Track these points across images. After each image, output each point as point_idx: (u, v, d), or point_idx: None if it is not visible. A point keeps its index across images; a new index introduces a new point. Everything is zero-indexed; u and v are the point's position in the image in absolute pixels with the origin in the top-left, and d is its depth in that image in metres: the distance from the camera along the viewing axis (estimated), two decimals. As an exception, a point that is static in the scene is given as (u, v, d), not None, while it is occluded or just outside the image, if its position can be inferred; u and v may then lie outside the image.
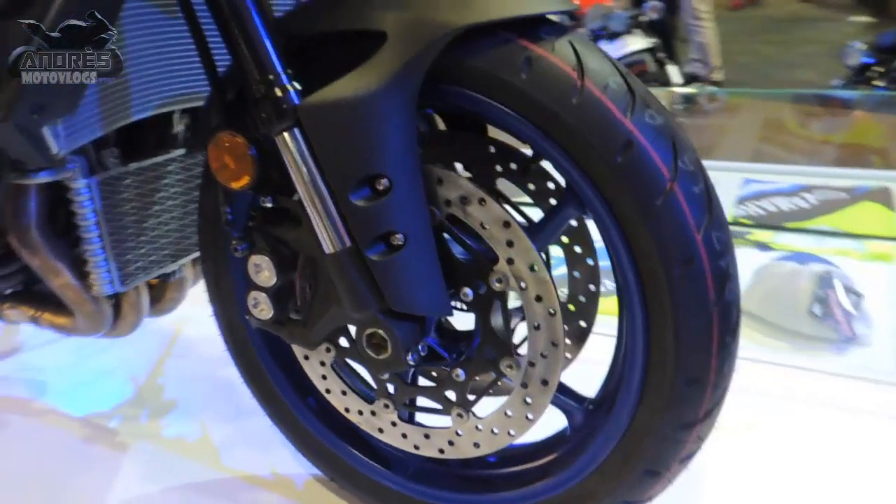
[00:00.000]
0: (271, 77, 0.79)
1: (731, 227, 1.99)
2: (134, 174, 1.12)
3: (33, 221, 1.06)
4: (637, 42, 4.57)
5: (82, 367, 1.65)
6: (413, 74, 0.75)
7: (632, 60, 4.54)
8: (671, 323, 0.75)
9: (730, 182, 2.47)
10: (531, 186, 0.89)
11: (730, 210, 2.25)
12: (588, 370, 1.00)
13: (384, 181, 0.78)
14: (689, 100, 4.20)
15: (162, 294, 1.30)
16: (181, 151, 1.18)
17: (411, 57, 0.74)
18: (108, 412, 1.48)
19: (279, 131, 0.79)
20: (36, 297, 1.25)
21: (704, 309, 0.75)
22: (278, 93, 0.79)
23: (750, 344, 1.58)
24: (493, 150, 0.89)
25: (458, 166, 0.96)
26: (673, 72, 4.64)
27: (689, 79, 4.81)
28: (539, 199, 0.89)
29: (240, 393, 1.16)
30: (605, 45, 4.57)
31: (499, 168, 0.89)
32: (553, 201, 0.88)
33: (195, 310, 1.15)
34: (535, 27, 0.76)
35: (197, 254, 1.25)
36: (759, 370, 1.50)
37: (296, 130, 0.79)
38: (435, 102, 0.84)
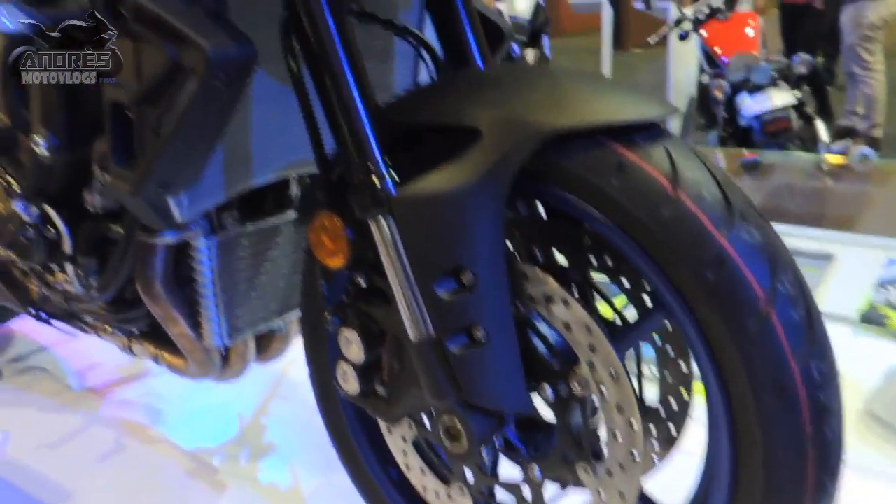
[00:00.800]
0: (370, 164, 0.82)
1: (865, 318, 1.84)
2: (250, 234, 1.19)
3: (158, 276, 1.14)
4: (782, 97, 4.32)
5: (196, 399, 1.76)
6: (504, 173, 0.75)
7: (775, 116, 4.30)
8: (760, 454, 0.70)
9: (871, 261, 2.25)
10: (625, 283, 0.86)
11: (867, 294, 2.05)
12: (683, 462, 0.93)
13: (469, 275, 0.78)
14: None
15: (268, 345, 1.37)
16: (294, 214, 1.24)
17: (502, 156, 0.75)
18: (213, 449, 1.57)
19: (373, 217, 0.82)
20: (159, 338, 1.34)
21: (799, 444, 0.69)
22: (375, 181, 0.82)
23: (873, 453, 1.42)
24: (588, 242, 0.87)
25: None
26: (821, 129, 4.34)
27: (843, 133, 4.46)
28: (632, 297, 0.86)
29: (331, 445, 1.20)
30: (747, 99, 4.37)
31: (593, 261, 0.87)
32: (646, 299, 0.85)
33: (302, 353, 1.19)
34: (632, 131, 0.75)
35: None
36: (883, 488, 1.34)
37: (389, 217, 0.81)
38: (531, 195, 0.84)
